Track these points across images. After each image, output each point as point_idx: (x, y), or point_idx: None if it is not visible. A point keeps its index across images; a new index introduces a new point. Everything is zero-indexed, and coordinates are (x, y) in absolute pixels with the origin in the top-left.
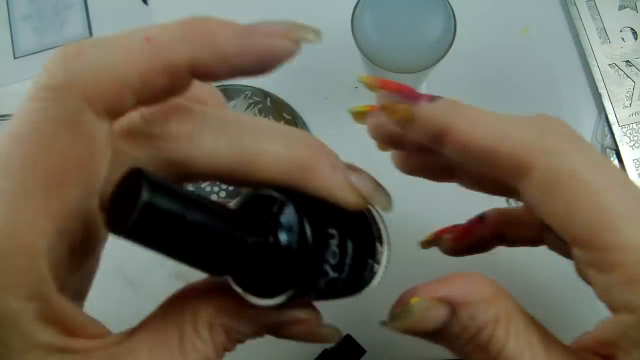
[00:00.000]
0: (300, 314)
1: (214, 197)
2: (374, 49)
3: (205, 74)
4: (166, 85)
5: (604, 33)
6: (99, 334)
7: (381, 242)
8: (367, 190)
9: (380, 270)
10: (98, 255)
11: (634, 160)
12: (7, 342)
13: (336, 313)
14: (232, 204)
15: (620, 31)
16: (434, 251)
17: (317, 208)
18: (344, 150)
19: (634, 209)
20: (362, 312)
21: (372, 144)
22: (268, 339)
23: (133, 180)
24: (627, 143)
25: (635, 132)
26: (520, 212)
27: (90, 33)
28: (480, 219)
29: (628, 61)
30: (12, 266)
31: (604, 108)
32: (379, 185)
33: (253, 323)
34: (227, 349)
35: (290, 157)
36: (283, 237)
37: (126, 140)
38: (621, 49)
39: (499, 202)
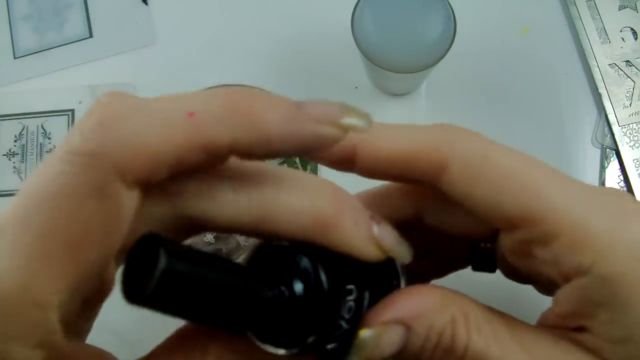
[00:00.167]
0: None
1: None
2: (374, 49)
3: (244, 155)
4: (202, 162)
5: (604, 33)
6: None
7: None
8: (389, 244)
9: None
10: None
11: (634, 160)
12: None
13: None
14: (242, 255)
15: (620, 31)
16: None
17: (333, 259)
18: None
19: (549, 178)
20: None
21: None
22: None
23: (149, 245)
24: (627, 143)
25: (635, 132)
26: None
27: (91, 33)
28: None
29: (628, 61)
30: (24, 319)
31: (604, 108)
32: (400, 237)
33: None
34: None
35: (312, 213)
36: (298, 288)
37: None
38: (621, 49)
39: None
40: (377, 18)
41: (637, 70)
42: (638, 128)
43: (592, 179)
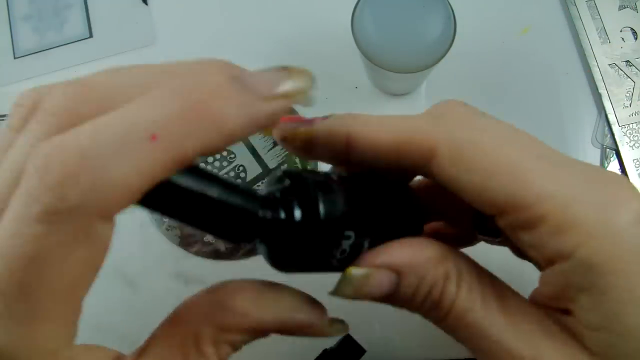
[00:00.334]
0: (303, 317)
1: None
2: (374, 49)
3: (208, 154)
4: (165, 178)
5: (604, 33)
6: None
7: None
8: (282, 91)
9: None
10: None
11: (634, 160)
12: None
13: (336, 312)
14: (265, 183)
15: (620, 31)
16: None
17: (344, 205)
18: None
19: (536, 162)
20: (362, 312)
21: None
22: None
23: None
24: (627, 143)
25: (635, 132)
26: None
27: (91, 33)
28: None
29: (628, 61)
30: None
31: (604, 108)
32: (293, 73)
33: (256, 334)
34: (233, 353)
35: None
36: (297, 214)
37: None
38: (621, 49)
39: None
40: (377, 18)
41: (637, 70)
42: (638, 128)
43: None
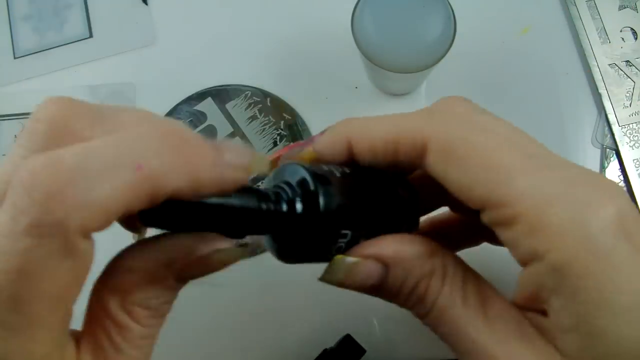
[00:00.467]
0: (185, 252)
1: None
2: (374, 49)
3: (177, 197)
4: (143, 207)
5: (604, 33)
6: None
7: None
8: (240, 163)
9: None
10: None
11: (634, 160)
12: None
13: (336, 312)
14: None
15: (620, 31)
16: None
17: (345, 206)
18: None
19: (523, 161)
20: (362, 312)
21: None
22: (268, 340)
23: None
24: (627, 143)
25: (635, 132)
26: (448, 215)
27: (91, 33)
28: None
29: (628, 61)
30: None
31: (604, 108)
32: (249, 150)
33: (158, 284)
34: (157, 318)
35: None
36: (298, 207)
37: None
38: (621, 49)
39: None
40: (377, 18)
41: (637, 70)
42: (638, 128)
43: None
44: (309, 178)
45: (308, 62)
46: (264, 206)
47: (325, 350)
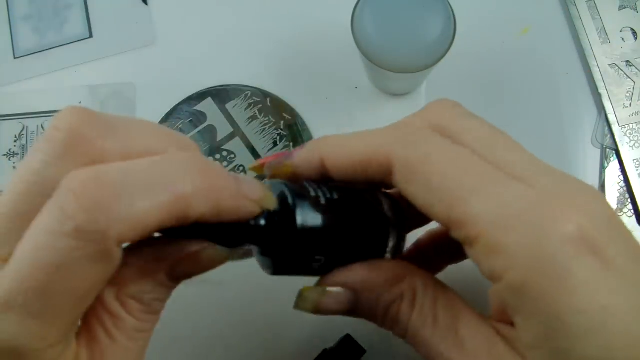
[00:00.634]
0: (177, 249)
1: None
2: (374, 49)
3: (198, 220)
4: (173, 225)
5: (604, 33)
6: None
7: None
8: (255, 196)
9: None
10: None
11: (634, 160)
12: None
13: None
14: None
15: (620, 31)
16: None
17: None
18: None
19: (486, 176)
20: None
21: None
22: (268, 340)
23: None
24: (627, 143)
25: (635, 132)
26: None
27: (91, 33)
28: (414, 245)
29: (628, 61)
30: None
31: (604, 108)
32: (264, 187)
33: (150, 279)
34: (150, 314)
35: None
36: (276, 223)
37: None
38: (621, 49)
39: None
40: (377, 18)
41: (637, 70)
42: (638, 128)
43: (592, 179)
44: (290, 199)
45: (308, 62)
46: (252, 221)
47: (325, 350)
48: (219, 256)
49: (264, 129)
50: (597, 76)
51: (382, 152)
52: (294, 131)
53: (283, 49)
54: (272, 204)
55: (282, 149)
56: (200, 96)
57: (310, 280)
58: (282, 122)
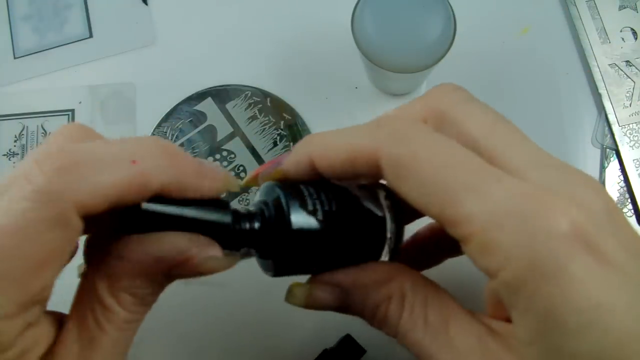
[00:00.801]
0: (177, 253)
1: None
2: (374, 49)
3: (162, 194)
4: (134, 199)
5: (604, 33)
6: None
7: None
8: (217, 177)
9: None
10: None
11: (634, 160)
12: None
13: (336, 312)
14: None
15: (620, 31)
16: None
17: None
18: None
19: (473, 179)
20: None
21: None
22: (268, 340)
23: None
24: (627, 143)
25: (635, 132)
26: None
27: (91, 33)
28: (413, 237)
29: (628, 61)
30: None
31: (604, 108)
32: (225, 171)
33: (146, 276)
34: (142, 306)
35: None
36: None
37: None
38: (621, 49)
39: None
40: (377, 18)
41: (637, 70)
42: (638, 128)
43: None
44: (284, 203)
45: (308, 62)
46: (237, 226)
47: (325, 350)
48: (220, 265)
49: (264, 129)
50: (597, 76)
51: (369, 151)
52: (294, 131)
53: (283, 49)
54: (234, 185)
55: (282, 149)
56: (200, 96)
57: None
58: (282, 122)
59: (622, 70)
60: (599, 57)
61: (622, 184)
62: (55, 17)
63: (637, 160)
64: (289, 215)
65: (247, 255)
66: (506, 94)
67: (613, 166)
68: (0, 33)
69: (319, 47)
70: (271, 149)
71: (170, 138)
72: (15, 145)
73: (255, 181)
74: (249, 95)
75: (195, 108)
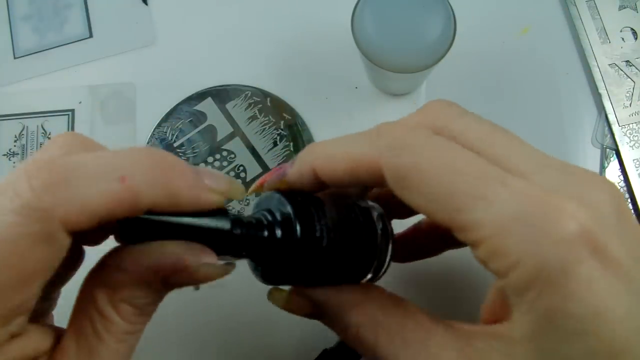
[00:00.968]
0: (172, 261)
1: None
2: (374, 49)
3: (153, 210)
4: (124, 215)
5: (604, 33)
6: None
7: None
8: (220, 187)
9: None
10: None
11: (634, 160)
12: None
13: None
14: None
15: (620, 31)
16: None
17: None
18: None
19: (478, 184)
20: None
21: None
22: (268, 340)
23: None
24: (627, 143)
25: (635, 132)
26: None
27: (91, 33)
28: (415, 226)
29: (628, 61)
30: None
31: (604, 108)
32: (229, 178)
33: (145, 286)
34: (141, 316)
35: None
36: (277, 231)
37: None
38: (621, 49)
39: None
40: (377, 18)
41: (637, 70)
42: (638, 128)
43: None
44: (296, 228)
45: (308, 62)
46: (238, 231)
47: (325, 350)
48: (216, 273)
49: (264, 129)
50: (597, 76)
51: (370, 161)
52: (294, 131)
53: (283, 49)
54: (238, 193)
55: (282, 149)
56: (200, 96)
57: None
58: (282, 122)
59: (622, 70)
60: (599, 57)
61: (622, 184)
62: (55, 17)
63: (637, 160)
64: (298, 239)
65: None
66: (506, 94)
67: (613, 166)
68: (0, 33)
69: (319, 47)
70: (271, 149)
71: (170, 138)
72: (15, 145)
73: (261, 189)
74: (249, 95)
75: (195, 108)
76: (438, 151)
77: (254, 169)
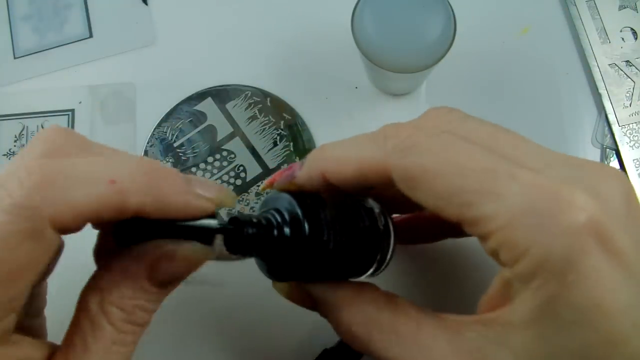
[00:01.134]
0: (164, 247)
1: None
2: (374, 49)
3: (143, 216)
4: (111, 218)
5: (604, 33)
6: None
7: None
8: (211, 194)
9: None
10: (43, 296)
11: (634, 160)
12: None
13: None
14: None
15: (620, 31)
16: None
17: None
18: None
19: (487, 178)
20: None
21: None
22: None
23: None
24: (627, 143)
25: (635, 132)
26: None
27: (91, 33)
28: (417, 213)
29: (628, 61)
30: None
31: (604, 108)
32: (219, 186)
33: (131, 280)
34: (135, 321)
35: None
36: (286, 231)
37: None
38: (621, 49)
39: None
40: (377, 18)
41: (637, 70)
42: (638, 128)
43: None
44: (305, 231)
45: (308, 62)
46: (249, 230)
47: (325, 350)
48: (195, 253)
49: (264, 129)
50: (597, 76)
51: (379, 164)
52: (294, 131)
53: (283, 49)
54: (230, 200)
55: (282, 149)
56: (200, 96)
57: None
58: (282, 122)
59: (622, 70)
60: (599, 57)
61: None
62: (55, 17)
63: (637, 160)
64: (306, 240)
65: (231, 258)
66: (506, 94)
67: (613, 166)
68: (0, 33)
69: (319, 47)
70: (271, 148)
71: (170, 138)
72: (15, 145)
73: (271, 186)
74: (249, 95)
75: (195, 108)
76: (444, 149)
77: (254, 168)
